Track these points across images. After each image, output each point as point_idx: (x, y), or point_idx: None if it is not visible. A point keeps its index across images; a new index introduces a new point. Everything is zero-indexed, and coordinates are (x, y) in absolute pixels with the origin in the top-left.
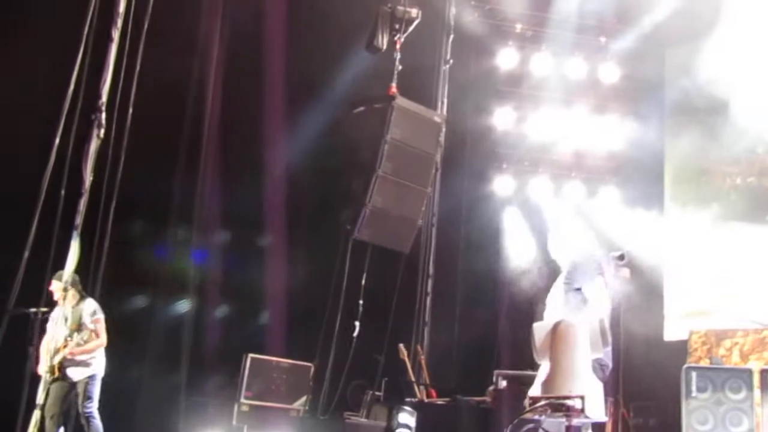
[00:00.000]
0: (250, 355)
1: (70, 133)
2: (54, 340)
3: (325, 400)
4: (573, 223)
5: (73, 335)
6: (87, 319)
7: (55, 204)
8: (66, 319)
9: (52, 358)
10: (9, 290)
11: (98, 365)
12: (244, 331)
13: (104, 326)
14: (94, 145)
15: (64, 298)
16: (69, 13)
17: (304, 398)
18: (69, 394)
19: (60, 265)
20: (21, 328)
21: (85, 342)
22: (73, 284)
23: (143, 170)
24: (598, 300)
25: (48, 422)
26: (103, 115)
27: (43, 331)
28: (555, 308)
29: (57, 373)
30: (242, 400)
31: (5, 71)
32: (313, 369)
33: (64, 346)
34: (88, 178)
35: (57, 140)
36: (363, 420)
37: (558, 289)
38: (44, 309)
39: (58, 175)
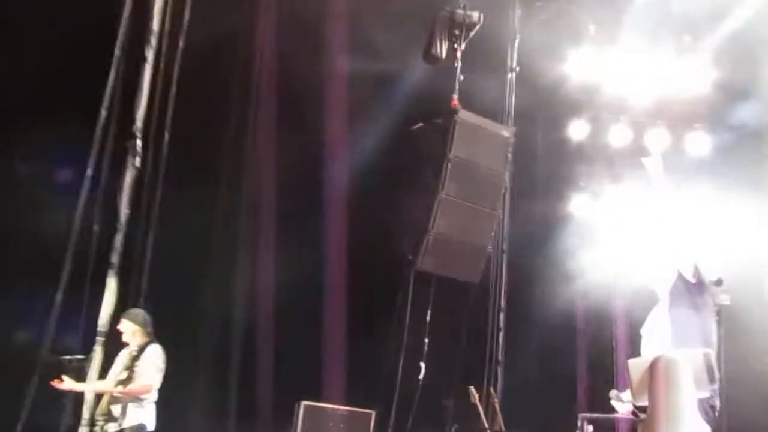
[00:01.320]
0: (304, 402)
1: (102, 162)
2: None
3: None
4: (672, 238)
5: (129, 376)
6: (148, 364)
7: (88, 241)
8: (127, 358)
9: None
10: (42, 335)
11: (148, 415)
12: (297, 375)
13: (160, 378)
14: (129, 176)
15: (133, 338)
16: (100, 33)
17: None
18: None
19: (95, 307)
20: (53, 379)
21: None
22: (139, 322)
23: (182, 203)
24: (708, 331)
25: None
26: (139, 142)
27: (80, 378)
28: (653, 341)
29: (104, 416)
30: None
31: (32, 101)
32: (374, 417)
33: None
34: (124, 211)
35: (89, 170)
36: None
37: (658, 317)
38: (80, 356)
39: (90, 210)
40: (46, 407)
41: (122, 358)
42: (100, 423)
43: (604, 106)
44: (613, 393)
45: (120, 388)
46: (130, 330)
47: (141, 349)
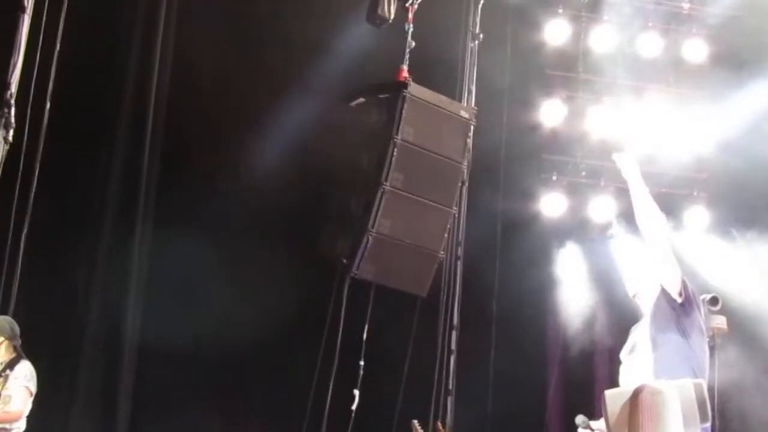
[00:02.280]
0: None
1: None
2: None
3: None
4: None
5: None
6: (15, 385)
7: None
8: None
9: None
10: None
11: None
12: (198, 402)
13: (29, 401)
14: (1, 152)
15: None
16: None
17: None
18: None
19: None
20: None
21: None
22: (11, 336)
23: (65, 185)
24: (698, 359)
25: None
26: (13, 112)
27: None
28: (632, 367)
29: None
30: None
31: None
32: None
33: None
34: None
35: None
36: None
37: (639, 338)
38: None
39: None
40: None
41: None
42: None
43: (586, 84)
44: (579, 419)
45: None
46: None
47: (8, 367)
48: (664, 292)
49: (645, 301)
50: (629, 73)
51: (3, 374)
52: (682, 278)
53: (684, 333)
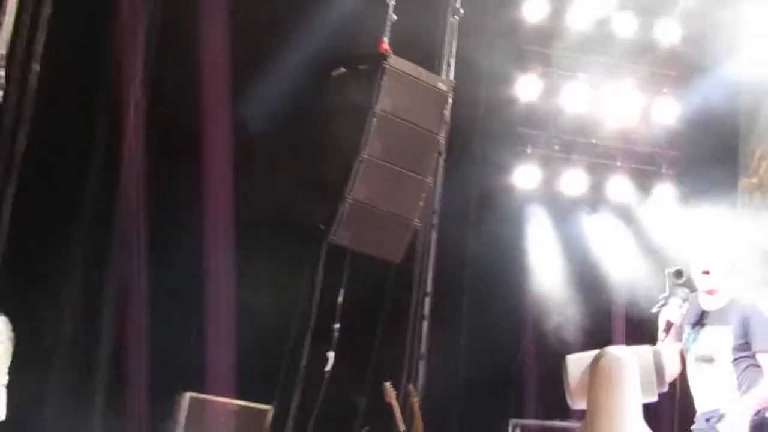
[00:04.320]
0: (188, 394)
1: None
2: None
3: None
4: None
5: None
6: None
7: None
8: None
9: None
10: None
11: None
12: (180, 364)
13: (7, 356)
14: None
15: None
16: None
17: None
18: None
19: None
20: None
21: None
22: None
23: (52, 145)
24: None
25: None
26: (2, 72)
27: None
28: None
29: None
30: None
31: None
32: (271, 413)
33: None
34: None
35: None
36: None
37: (719, 351)
38: None
39: None
40: None
41: None
42: None
43: (560, 61)
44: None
45: None
46: None
47: None
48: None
49: (716, 298)
50: (604, 52)
51: None
52: None
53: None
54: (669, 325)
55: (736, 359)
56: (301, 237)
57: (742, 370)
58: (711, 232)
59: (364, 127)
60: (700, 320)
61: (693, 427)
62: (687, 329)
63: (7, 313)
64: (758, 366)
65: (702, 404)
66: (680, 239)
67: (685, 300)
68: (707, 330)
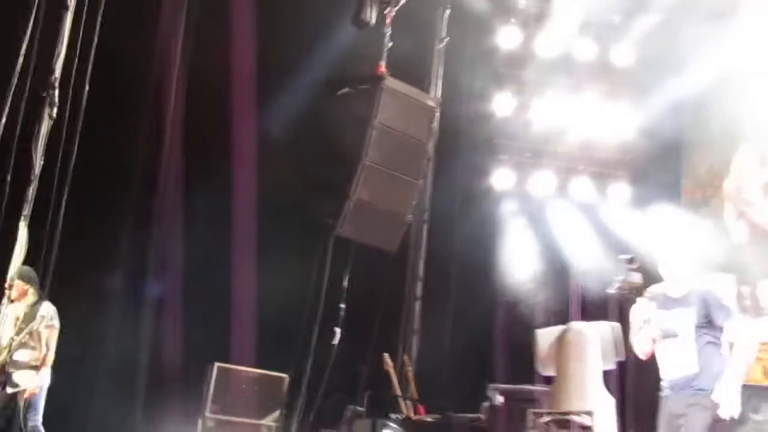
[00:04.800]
0: (217, 364)
1: (18, 113)
2: (2, 339)
3: (301, 416)
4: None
5: (24, 336)
6: (42, 324)
7: (0, 191)
8: (17, 318)
9: None
10: None
11: (47, 373)
12: (209, 338)
13: (56, 337)
14: (45, 127)
15: (23, 296)
16: None
17: (276, 413)
18: (10, 403)
19: (5, 258)
20: None
21: (33, 349)
22: (32, 281)
23: (100, 155)
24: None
25: None
26: (56, 93)
27: None
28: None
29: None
30: (207, 414)
31: None
32: (287, 380)
33: (9, 346)
34: (38, 163)
35: (3, 120)
36: None
37: (681, 329)
38: None
39: (3, 160)
40: None
41: (10, 317)
42: None
43: (531, 81)
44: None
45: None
46: (19, 288)
47: (34, 307)
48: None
49: (678, 287)
50: (568, 73)
51: (31, 315)
52: None
53: (717, 336)
54: (642, 321)
55: (698, 335)
56: (311, 230)
57: (703, 344)
58: (666, 231)
59: (365, 138)
60: (666, 305)
61: (662, 393)
62: (656, 313)
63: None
64: (716, 343)
65: (668, 373)
66: (633, 232)
67: (651, 299)
68: (673, 312)
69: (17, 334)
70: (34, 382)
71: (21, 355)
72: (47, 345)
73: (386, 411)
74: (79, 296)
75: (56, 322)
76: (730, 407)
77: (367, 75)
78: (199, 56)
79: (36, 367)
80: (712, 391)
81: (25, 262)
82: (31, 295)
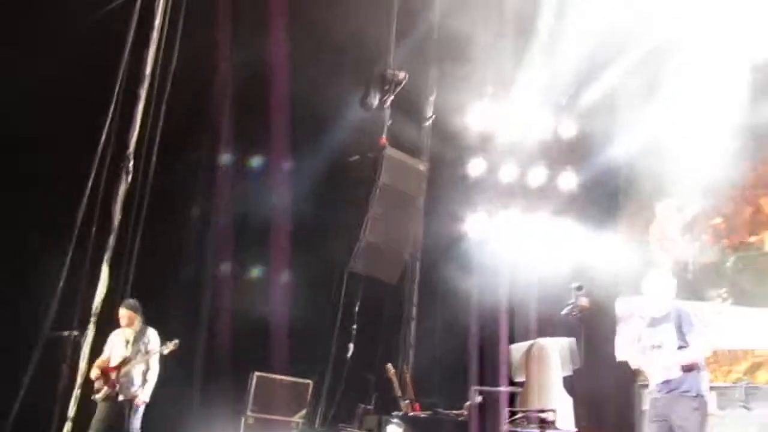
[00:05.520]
0: (257, 373)
1: (101, 179)
2: (114, 359)
3: (323, 413)
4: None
5: (135, 355)
6: (151, 347)
7: (86, 239)
8: (127, 342)
9: (109, 375)
10: (45, 316)
11: (150, 388)
12: (252, 353)
13: (158, 358)
14: (122, 189)
15: (132, 323)
16: (103, 74)
17: (303, 411)
18: (121, 410)
19: (92, 292)
20: (53, 350)
21: (141, 366)
22: (138, 311)
23: (164, 210)
24: (698, 349)
25: None
26: (131, 163)
27: (77, 351)
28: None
29: (112, 390)
30: (248, 413)
31: (47, 127)
32: (311, 386)
33: (122, 364)
34: (117, 217)
35: (89, 184)
36: (355, 431)
37: (666, 341)
38: (75, 332)
39: (90, 215)
40: (45, 372)
41: (119, 338)
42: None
43: (497, 149)
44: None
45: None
46: (129, 316)
47: (141, 332)
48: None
49: (657, 303)
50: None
51: (139, 338)
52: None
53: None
54: (635, 339)
55: (679, 347)
56: (330, 267)
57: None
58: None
59: (372, 194)
60: (652, 324)
61: (651, 397)
62: (645, 331)
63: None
64: None
65: (655, 378)
66: (579, 261)
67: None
68: (657, 328)
69: (130, 353)
70: (142, 395)
71: (132, 371)
72: (150, 365)
73: (390, 409)
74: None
75: (158, 347)
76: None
77: (372, 144)
78: (242, 129)
79: (143, 382)
80: (698, 394)
81: (106, 296)
82: (138, 322)
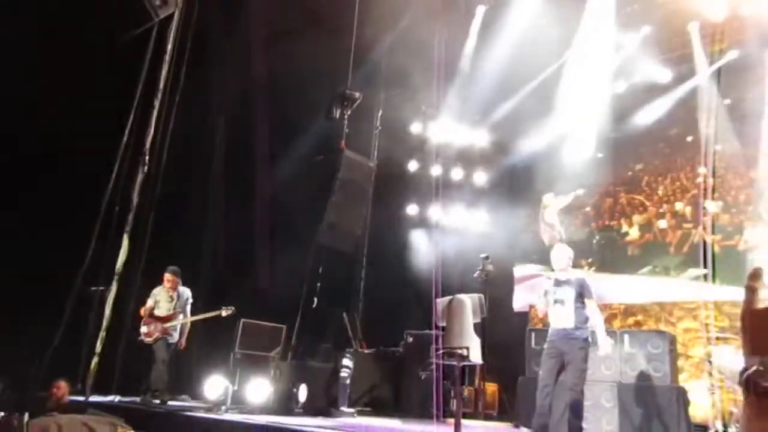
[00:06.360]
0: (243, 320)
1: (123, 170)
2: (161, 310)
3: (293, 350)
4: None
5: (180, 310)
6: (187, 302)
7: (111, 216)
8: (172, 298)
9: (160, 324)
10: (77, 276)
11: (185, 333)
12: (243, 304)
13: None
14: (140, 178)
15: (175, 284)
16: (125, 90)
17: (278, 348)
18: (170, 350)
19: (115, 259)
20: (84, 302)
21: (184, 317)
22: (178, 275)
23: (174, 195)
24: (596, 310)
25: (162, 366)
26: (147, 158)
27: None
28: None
29: (163, 335)
30: (236, 350)
31: (85, 131)
32: (285, 329)
33: (171, 317)
34: (135, 199)
35: (114, 174)
36: (318, 363)
37: (566, 298)
38: (102, 288)
39: (113, 198)
40: (78, 318)
41: (164, 296)
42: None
43: (429, 153)
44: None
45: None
46: (172, 280)
47: (182, 292)
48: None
49: (560, 265)
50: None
51: (180, 296)
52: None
53: (584, 305)
54: (545, 293)
55: (575, 305)
56: (301, 240)
57: (576, 308)
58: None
59: (333, 186)
60: (558, 284)
61: (549, 339)
62: (551, 288)
63: None
64: (584, 309)
65: (555, 325)
66: (487, 237)
67: (545, 293)
68: (561, 289)
69: (177, 308)
70: (183, 340)
71: (176, 322)
72: (188, 316)
73: (344, 347)
74: (154, 284)
75: (191, 299)
76: (605, 349)
77: (334, 147)
78: (235, 132)
79: (182, 331)
80: (585, 338)
81: (126, 261)
82: (179, 284)
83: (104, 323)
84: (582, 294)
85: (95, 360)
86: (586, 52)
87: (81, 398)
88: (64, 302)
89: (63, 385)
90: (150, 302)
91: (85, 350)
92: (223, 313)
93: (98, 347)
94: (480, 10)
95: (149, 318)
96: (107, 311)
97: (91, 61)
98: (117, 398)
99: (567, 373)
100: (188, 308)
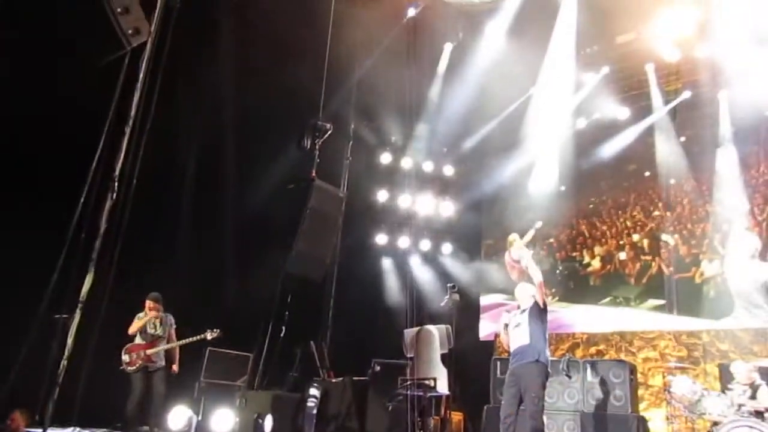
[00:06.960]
0: (209, 348)
1: (92, 196)
2: (147, 337)
3: (259, 379)
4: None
5: (164, 336)
6: (171, 327)
7: (78, 242)
8: (155, 326)
9: (142, 352)
10: (40, 303)
11: (176, 358)
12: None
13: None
14: (108, 204)
15: (157, 310)
16: (96, 117)
17: (244, 377)
18: (152, 379)
19: (81, 286)
20: (47, 329)
21: (170, 341)
22: (160, 301)
23: (141, 223)
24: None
25: (157, 399)
26: (116, 184)
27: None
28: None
29: (147, 363)
30: (202, 379)
31: (53, 156)
32: (252, 358)
33: (153, 344)
34: (103, 226)
35: (82, 200)
36: (285, 393)
37: (522, 321)
38: (65, 316)
39: (81, 224)
40: (39, 347)
41: (150, 321)
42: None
43: (398, 184)
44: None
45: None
46: (155, 306)
47: (164, 317)
48: (536, 303)
49: (523, 302)
50: (418, 180)
51: (163, 322)
52: (544, 299)
53: (543, 321)
54: (505, 326)
55: (530, 320)
56: (270, 268)
57: (530, 323)
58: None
59: (303, 214)
60: (518, 311)
61: (509, 366)
62: (512, 321)
63: None
64: (538, 322)
65: (513, 346)
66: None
67: (508, 318)
68: (521, 315)
69: (161, 334)
70: (174, 366)
71: (160, 348)
72: (171, 339)
73: (311, 376)
74: (119, 312)
75: (174, 325)
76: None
77: (304, 177)
78: (205, 160)
79: (167, 357)
80: (539, 352)
81: (91, 288)
82: (160, 310)
83: (66, 352)
84: (536, 303)
85: (57, 390)
86: (548, 90)
87: (39, 430)
88: (26, 330)
89: (17, 417)
90: (139, 324)
91: (46, 379)
92: (209, 336)
93: (60, 376)
94: (448, 47)
95: (132, 346)
96: (70, 340)
97: (62, 87)
98: (77, 430)
99: (525, 401)
100: (173, 332)
